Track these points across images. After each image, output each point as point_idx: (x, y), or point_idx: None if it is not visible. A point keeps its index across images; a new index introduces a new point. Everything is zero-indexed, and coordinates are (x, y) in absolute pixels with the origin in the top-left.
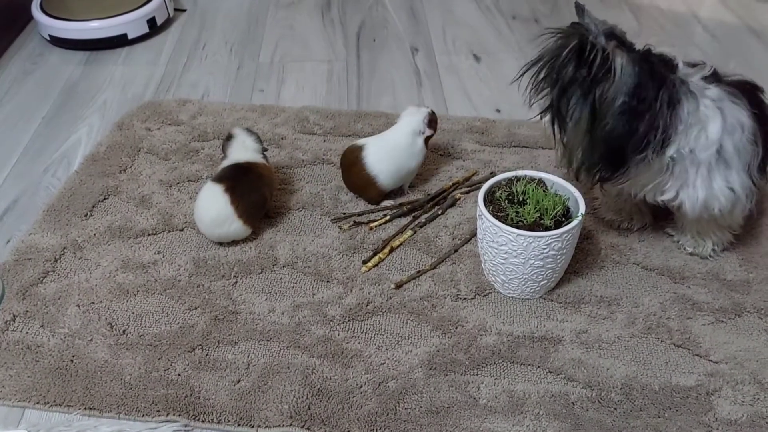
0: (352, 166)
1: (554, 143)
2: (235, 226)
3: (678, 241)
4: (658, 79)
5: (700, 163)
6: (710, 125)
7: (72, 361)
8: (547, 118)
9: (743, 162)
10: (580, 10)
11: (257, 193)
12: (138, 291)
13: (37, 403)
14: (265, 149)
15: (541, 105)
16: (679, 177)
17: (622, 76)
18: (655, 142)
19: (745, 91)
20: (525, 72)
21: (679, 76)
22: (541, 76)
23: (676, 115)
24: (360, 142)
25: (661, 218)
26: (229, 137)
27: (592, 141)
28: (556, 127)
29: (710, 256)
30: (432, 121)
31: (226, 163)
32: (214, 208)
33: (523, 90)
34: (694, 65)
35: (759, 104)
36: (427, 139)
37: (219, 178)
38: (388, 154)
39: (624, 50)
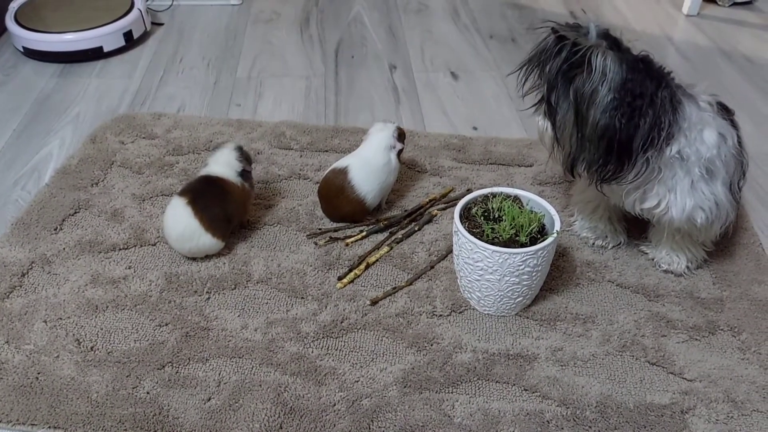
0: (340, 192)
1: (546, 139)
2: (204, 239)
3: (653, 259)
4: (656, 79)
5: (690, 169)
6: (706, 130)
7: (37, 378)
8: (541, 113)
9: (727, 175)
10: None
11: (220, 207)
12: (107, 307)
13: (0, 421)
14: (248, 169)
15: (534, 99)
16: (666, 183)
17: (608, 73)
18: (660, 138)
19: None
20: (520, 68)
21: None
22: (531, 70)
23: (679, 113)
24: (340, 164)
25: (635, 237)
26: (215, 148)
27: (584, 136)
28: (548, 121)
29: (684, 273)
30: (400, 135)
31: (201, 172)
32: (180, 221)
33: (518, 84)
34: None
35: (733, 125)
36: (398, 153)
37: (182, 191)
38: (371, 173)
39: (609, 49)
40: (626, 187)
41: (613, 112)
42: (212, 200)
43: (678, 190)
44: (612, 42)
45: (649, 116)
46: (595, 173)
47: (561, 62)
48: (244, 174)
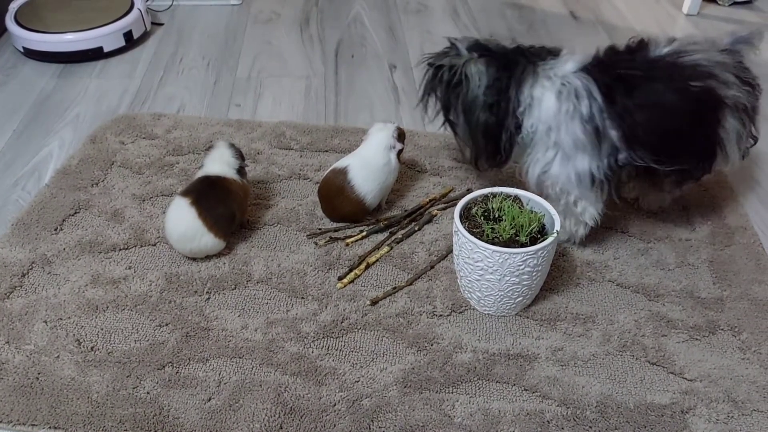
0: (340, 193)
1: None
2: (206, 239)
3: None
4: (510, 69)
5: (539, 141)
6: (543, 104)
7: (37, 378)
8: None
9: (587, 152)
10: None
11: (224, 207)
12: (108, 307)
13: (0, 422)
14: (244, 165)
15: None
16: (533, 153)
17: (481, 78)
18: (510, 123)
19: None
20: (419, 102)
21: (535, 62)
22: (428, 100)
23: (520, 95)
24: (340, 164)
25: (635, 237)
26: (209, 148)
27: (475, 137)
28: (454, 134)
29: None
30: (400, 135)
31: (199, 174)
32: (182, 222)
33: (422, 113)
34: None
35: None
36: (398, 153)
37: (185, 192)
38: (371, 173)
39: (480, 57)
40: (516, 165)
41: (483, 112)
42: (216, 200)
43: (535, 161)
44: (483, 49)
45: (501, 106)
46: (487, 162)
47: (445, 86)
48: (242, 170)
